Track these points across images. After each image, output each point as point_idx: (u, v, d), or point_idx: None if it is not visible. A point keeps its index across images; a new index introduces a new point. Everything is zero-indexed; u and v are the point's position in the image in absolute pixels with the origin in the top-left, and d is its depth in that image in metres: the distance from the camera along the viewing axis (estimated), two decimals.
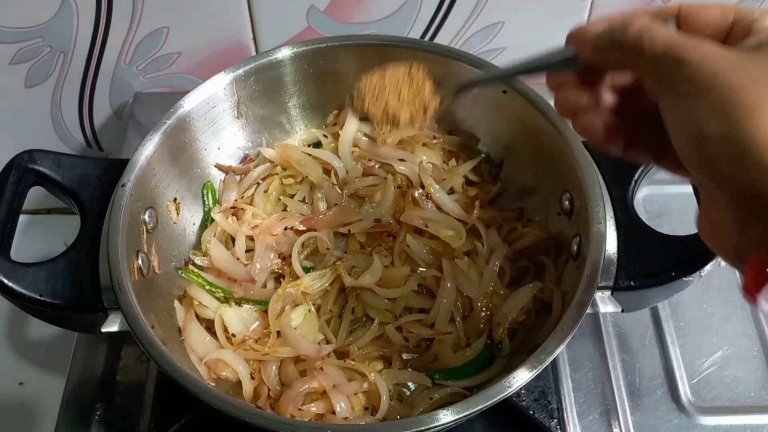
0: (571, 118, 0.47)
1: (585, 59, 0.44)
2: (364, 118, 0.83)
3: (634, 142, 0.46)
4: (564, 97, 0.47)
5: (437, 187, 0.76)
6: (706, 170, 0.37)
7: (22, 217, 0.64)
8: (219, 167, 0.80)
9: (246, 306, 0.72)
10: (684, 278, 0.61)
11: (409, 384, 0.68)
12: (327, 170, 0.81)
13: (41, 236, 1.02)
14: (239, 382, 0.66)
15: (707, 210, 0.41)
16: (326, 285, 0.72)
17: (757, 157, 0.34)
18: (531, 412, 0.69)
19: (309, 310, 0.70)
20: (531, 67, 0.51)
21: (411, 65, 0.60)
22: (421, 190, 0.77)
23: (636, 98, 0.46)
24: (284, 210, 0.78)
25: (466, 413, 0.53)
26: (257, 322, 0.71)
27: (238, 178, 0.80)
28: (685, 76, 0.37)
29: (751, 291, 0.36)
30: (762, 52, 0.37)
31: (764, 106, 0.34)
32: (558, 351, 0.55)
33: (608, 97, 0.46)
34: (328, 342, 0.69)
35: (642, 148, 0.46)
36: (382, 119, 0.60)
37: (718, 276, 0.80)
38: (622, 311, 0.65)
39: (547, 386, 0.71)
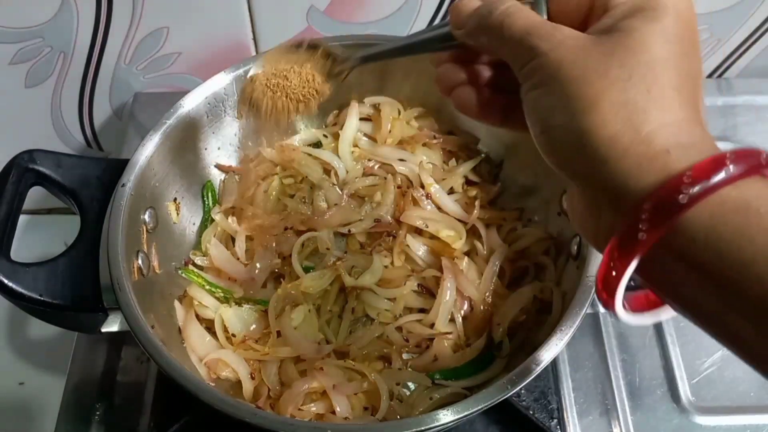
0: (448, 94, 0.47)
1: (459, 38, 0.44)
2: (365, 118, 0.83)
3: (510, 114, 0.45)
4: (442, 74, 0.47)
5: (437, 187, 0.76)
6: (554, 160, 0.38)
7: (22, 217, 0.64)
8: (219, 167, 0.80)
9: (246, 306, 0.72)
10: None
11: (409, 384, 0.68)
12: (327, 170, 0.81)
13: (41, 236, 1.02)
14: (239, 382, 0.66)
15: (570, 197, 0.41)
16: (326, 285, 0.72)
17: (595, 151, 0.34)
18: (531, 412, 0.69)
19: (309, 310, 0.70)
20: (412, 44, 0.50)
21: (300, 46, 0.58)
22: (421, 190, 0.77)
23: (498, 70, 0.46)
24: (284, 210, 0.78)
25: (466, 413, 0.53)
26: (257, 322, 0.71)
27: (237, 178, 0.80)
28: (536, 65, 0.37)
29: (599, 293, 0.36)
30: (610, 36, 0.36)
31: (602, 98, 0.34)
32: (558, 351, 0.55)
33: (484, 73, 0.46)
34: (328, 342, 0.69)
35: (493, 112, 0.46)
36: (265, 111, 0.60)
37: None
38: None
39: (547, 386, 0.71)
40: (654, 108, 0.34)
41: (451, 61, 0.47)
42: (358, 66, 0.56)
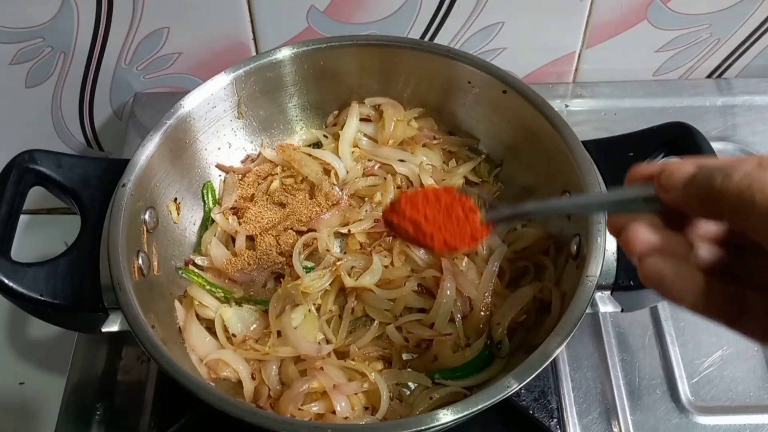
0: (640, 261, 0.39)
1: (669, 202, 0.38)
2: (365, 118, 0.83)
3: (708, 297, 0.37)
4: (633, 236, 0.39)
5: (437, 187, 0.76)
6: None
7: (22, 217, 0.64)
8: (219, 167, 0.80)
9: (246, 306, 0.72)
10: None
11: (409, 384, 0.68)
12: (327, 170, 0.81)
13: (42, 236, 1.02)
14: (240, 382, 0.66)
15: None
16: (326, 285, 0.72)
17: None
18: (531, 412, 0.69)
19: (309, 310, 0.71)
20: (602, 203, 0.45)
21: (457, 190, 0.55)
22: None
23: (717, 249, 0.38)
24: (284, 210, 0.78)
25: (465, 413, 0.53)
26: (257, 322, 0.71)
27: (238, 178, 0.80)
28: None
29: None
30: None
31: None
32: (558, 351, 0.55)
33: (687, 245, 0.38)
34: (328, 342, 0.70)
35: (717, 305, 0.37)
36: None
37: None
38: (622, 311, 0.66)
39: (547, 386, 0.71)
40: None
41: (643, 223, 0.39)
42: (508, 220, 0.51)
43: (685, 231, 0.40)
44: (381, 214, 0.76)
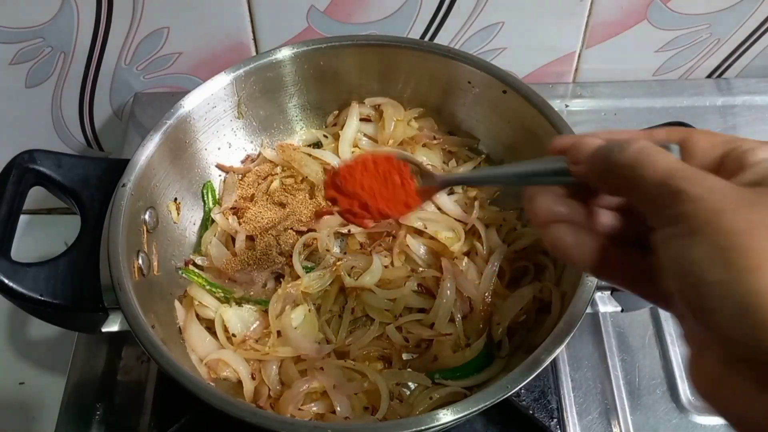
0: (542, 229, 0.42)
1: (577, 174, 0.40)
2: (365, 118, 0.83)
3: (608, 263, 0.40)
4: (538, 205, 0.42)
5: None
6: (705, 321, 0.32)
7: (22, 217, 0.64)
8: (220, 167, 0.80)
9: (246, 306, 0.72)
10: None
11: (409, 384, 0.68)
12: (327, 170, 0.81)
13: (42, 236, 1.02)
14: (240, 382, 0.66)
15: (700, 360, 0.34)
16: (326, 285, 0.72)
17: (765, 317, 0.29)
18: (531, 412, 0.69)
19: (309, 310, 0.71)
20: (517, 174, 0.47)
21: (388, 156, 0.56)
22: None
23: (624, 220, 0.41)
24: (284, 210, 0.78)
25: (465, 413, 0.53)
26: (257, 322, 0.71)
27: (238, 178, 0.80)
28: (685, 211, 0.32)
29: None
30: (763, 190, 0.32)
31: None
32: (558, 351, 0.55)
33: (595, 215, 0.41)
34: (328, 342, 0.70)
35: (616, 270, 0.40)
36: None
37: None
38: (622, 311, 0.66)
39: (547, 386, 0.71)
40: None
41: (550, 194, 0.42)
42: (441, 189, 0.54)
43: (591, 202, 0.41)
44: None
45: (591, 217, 0.41)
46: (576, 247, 0.40)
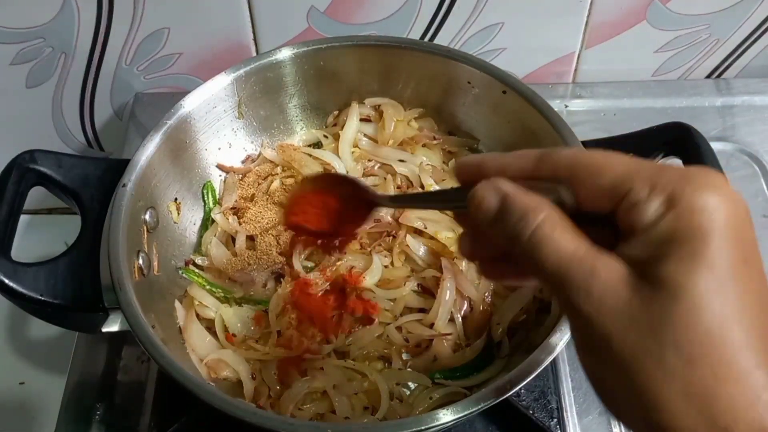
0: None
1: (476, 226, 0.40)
2: (365, 118, 0.83)
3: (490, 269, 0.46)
4: (462, 247, 0.46)
5: (437, 188, 0.76)
6: (614, 412, 0.34)
7: (22, 217, 0.65)
8: (220, 167, 0.80)
9: (246, 306, 0.72)
10: None
11: (409, 384, 0.68)
12: (327, 170, 0.81)
13: (42, 236, 1.02)
14: (240, 382, 0.66)
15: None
16: (326, 285, 0.72)
17: None
18: (531, 412, 0.69)
19: None
20: (432, 203, 0.53)
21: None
22: (420, 191, 0.77)
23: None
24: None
25: (465, 413, 0.53)
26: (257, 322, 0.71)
27: (238, 178, 0.80)
28: (581, 325, 0.33)
29: None
30: (653, 292, 0.31)
31: (664, 389, 0.30)
32: (558, 351, 0.56)
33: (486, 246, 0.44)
34: (328, 342, 0.70)
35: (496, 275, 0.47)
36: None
37: None
38: None
39: (546, 386, 0.71)
40: (725, 391, 0.30)
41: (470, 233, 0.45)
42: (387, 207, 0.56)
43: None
44: (381, 214, 0.75)
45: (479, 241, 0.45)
46: (466, 252, 0.45)
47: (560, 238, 0.35)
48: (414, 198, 0.58)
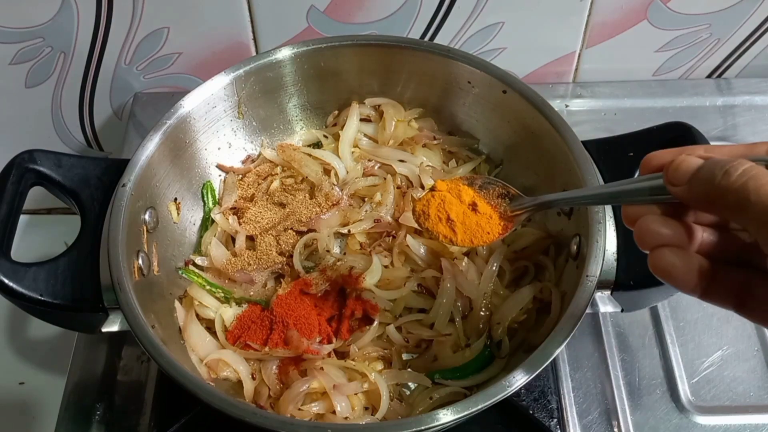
0: (650, 252, 0.41)
1: (676, 195, 0.39)
2: (365, 118, 0.83)
3: (715, 285, 0.40)
4: (644, 229, 0.41)
5: None
6: None
7: (22, 217, 0.65)
8: (220, 167, 0.80)
9: (246, 306, 0.72)
10: None
11: (409, 384, 0.68)
12: (327, 170, 0.81)
13: (41, 236, 1.02)
14: (240, 382, 0.66)
15: None
16: (326, 285, 0.72)
17: None
18: (531, 412, 0.69)
19: None
20: (613, 193, 0.46)
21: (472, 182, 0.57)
22: (420, 191, 0.77)
23: (724, 237, 0.40)
24: (284, 210, 0.78)
25: (465, 413, 0.53)
26: None
27: (238, 178, 0.80)
28: None
29: None
30: None
31: None
32: (558, 351, 0.55)
33: (697, 234, 0.40)
34: (328, 342, 0.69)
35: (723, 292, 0.40)
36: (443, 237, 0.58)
37: None
38: (622, 311, 0.66)
39: (547, 386, 0.71)
40: None
41: (653, 215, 0.41)
42: (535, 212, 0.53)
43: (685, 218, 0.41)
44: (381, 214, 0.76)
45: (691, 238, 0.40)
46: (685, 271, 0.39)
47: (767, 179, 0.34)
48: (581, 196, 0.55)
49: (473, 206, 0.57)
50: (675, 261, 0.39)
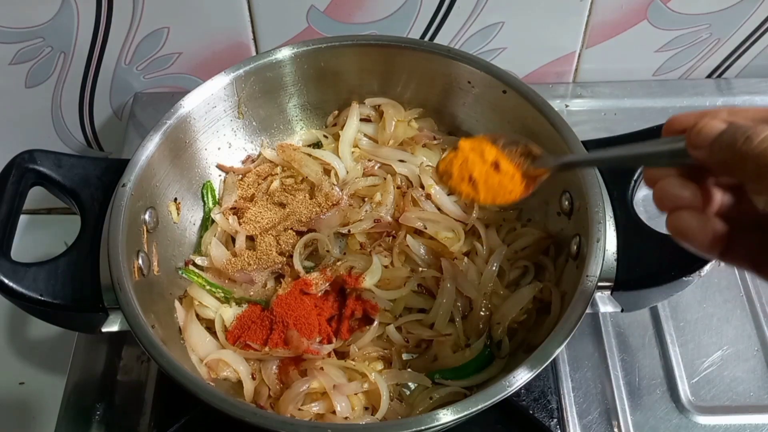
0: (669, 213, 0.42)
1: (697, 159, 0.39)
2: (365, 118, 0.83)
3: (733, 247, 0.40)
4: (664, 191, 0.42)
5: (437, 188, 0.76)
6: None
7: (22, 217, 0.65)
8: (220, 167, 0.80)
9: (246, 306, 0.72)
10: (683, 278, 0.61)
11: (409, 384, 0.68)
12: (327, 170, 0.81)
13: (41, 236, 1.02)
14: (240, 382, 0.66)
15: None
16: (326, 285, 0.72)
17: None
18: (531, 412, 0.69)
19: None
20: (635, 156, 0.46)
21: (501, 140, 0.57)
22: (420, 191, 0.77)
23: (742, 200, 0.40)
24: (284, 210, 0.78)
25: (465, 413, 0.53)
26: None
27: (238, 178, 0.80)
28: None
29: None
30: None
31: None
32: (558, 351, 0.55)
33: (716, 197, 0.41)
34: (328, 342, 0.69)
35: (741, 254, 0.40)
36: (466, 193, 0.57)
37: (718, 276, 0.80)
38: (622, 311, 0.65)
39: (546, 386, 0.71)
40: None
41: (673, 178, 0.41)
42: (558, 172, 0.53)
43: (705, 182, 0.41)
44: (381, 214, 0.75)
45: (709, 200, 0.41)
46: (701, 233, 0.40)
47: None
48: (603, 157, 0.55)
49: (496, 165, 0.56)
50: (693, 223, 0.40)
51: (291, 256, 0.74)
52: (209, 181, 0.79)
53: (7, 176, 0.64)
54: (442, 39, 0.93)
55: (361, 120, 0.83)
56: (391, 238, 0.75)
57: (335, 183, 0.79)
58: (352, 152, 0.82)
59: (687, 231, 0.41)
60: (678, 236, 0.41)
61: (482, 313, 0.69)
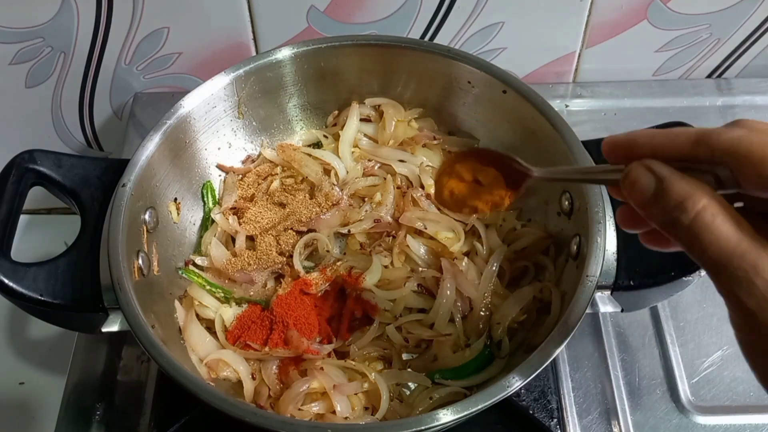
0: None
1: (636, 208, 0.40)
2: (365, 118, 0.83)
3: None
4: (624, 216, 0.46)
5: None
6: None
7: (22, 217, 0.65)
8: (220, 167, 0.80)
9: (246, 306, 0.72)
10: (683, 278, 0.61)
11: (409, 384, 0.68)
12: (327, 170, 0.81)
13: (41, 236, 1.02)
14: (240, 382, 0.66)
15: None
16: (326, 285, 0.72)
17: None
18: (531, 412, 0.69)
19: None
20: (583, 178, 0.50)
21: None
22: (420, 191, 0.77)
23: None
24: (284, 210, 0.78)
25: (465, 413, 0.53)
26: None
27: (238, 178, 0.80)
28: (744, 315, 0.33)
29: None
30: None
31: None
32: (557, 351, 0.55)
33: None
34: (328, 342, 0.69)
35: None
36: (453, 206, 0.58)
37: None
38: (622, 311, 0.66)
39: (546, 386, 0.71)
40: None
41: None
42: (535, 184, 0.54)
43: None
44: (381, 214, 0.75)
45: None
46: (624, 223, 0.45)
47: (721, 227, 0.34)
48: (566, 172, 0.57)
49: (477, 181, 0.57)
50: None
51: (291, 256, 0.74)
52: (209, 181, 0.79)
53: (7, 176, 0.64)
54: (442, 39, 0.93)
55: (361, 120, 0.83)
56: (391, 238, 0.75)
57: (335, 183, 0.79)
58: (352, 152, 0.82)
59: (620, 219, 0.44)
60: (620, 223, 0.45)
61: (482, 313, 0.69)
